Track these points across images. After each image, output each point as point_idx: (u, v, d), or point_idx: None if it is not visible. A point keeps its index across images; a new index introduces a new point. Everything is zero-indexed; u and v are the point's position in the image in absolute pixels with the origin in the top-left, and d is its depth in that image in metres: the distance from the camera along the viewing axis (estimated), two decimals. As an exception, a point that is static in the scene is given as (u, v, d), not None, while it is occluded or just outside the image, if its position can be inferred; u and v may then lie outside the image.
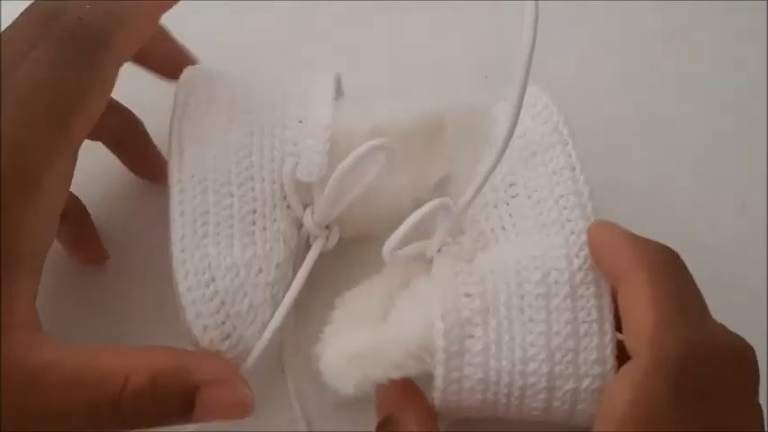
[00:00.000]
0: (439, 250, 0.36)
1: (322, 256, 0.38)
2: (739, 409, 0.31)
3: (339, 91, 0.40)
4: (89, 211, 0.41)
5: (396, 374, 0.33)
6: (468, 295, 0.34)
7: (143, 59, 0.40)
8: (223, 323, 0.35)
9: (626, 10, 0.48)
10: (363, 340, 0.34)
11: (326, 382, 0.34)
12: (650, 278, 0.31)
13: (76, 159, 0.35)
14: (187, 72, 0.39)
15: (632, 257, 0.32)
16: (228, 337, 0.35)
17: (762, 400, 0.38)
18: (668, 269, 0.32)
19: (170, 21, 0.39)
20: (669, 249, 0.32)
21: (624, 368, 0.31)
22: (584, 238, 0.34)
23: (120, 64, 0.35)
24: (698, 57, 0.47)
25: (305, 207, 0.38)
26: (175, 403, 0.32)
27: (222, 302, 0.35)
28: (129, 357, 0.32)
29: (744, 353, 0.32)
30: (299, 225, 0.38)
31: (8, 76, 0.33)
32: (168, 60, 0.41)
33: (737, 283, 0.41)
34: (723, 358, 0.31)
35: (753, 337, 0.37)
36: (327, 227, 0.38)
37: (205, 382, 0.32)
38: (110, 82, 0.35)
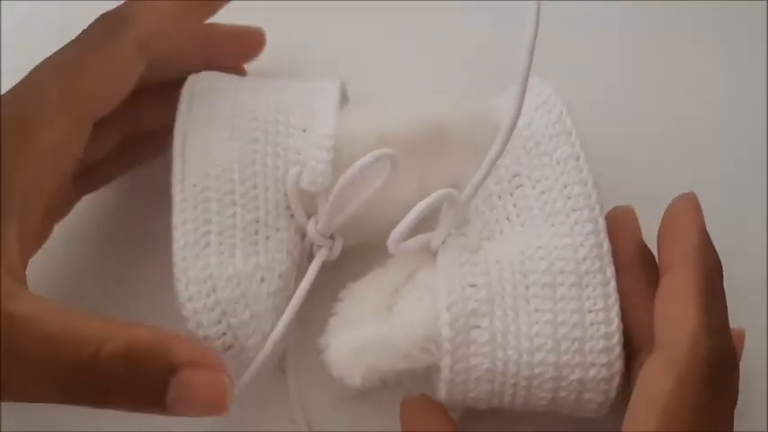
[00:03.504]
0: (444, 241, 0.36)
1: (325, 264, 0.38)
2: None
3: (344, 98, 0.40)
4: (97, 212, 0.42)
5: (403, 365, 0.34)
6: (473, 286, 0.34)
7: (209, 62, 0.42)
8: (224, 333, 0.34)
9: (625, 10, 0.49)
10: (370, 331, 0.34)
11: (333, 373, 0.34)
12: (705, 281, 0.32)
13: (87, 131, 0.35)
14: (190, 79, 0.39)
15: (697, 252, 0.33)
16: (230, 347, 0.35)
17: (762, 399, 0.39)
18: (719, 279, 0.33)
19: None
20: (720, 261, 0.33)
21: (658, 358, 0.31)
22: (589, 227, 0.34)
23: (143, 45, 0.36)
24: (697, 57, 0.48)
25: (308, 216, 0.37)
26: (149, 379, 0.30)
27: (223, 312, 0.34)
28: (109, 325, 0.31)
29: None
30: (303, 234, 0.38)
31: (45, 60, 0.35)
32: (229, 48, 0.43)
33: (737, 283, 0.41)
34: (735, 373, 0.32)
35: (753, 337, 0.38)
36: (331, 236, 0.38)
37: (184, 363, 0.31)
38: (123, 56, 0.35)
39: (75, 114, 0.34)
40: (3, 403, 0.35)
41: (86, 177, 0.40)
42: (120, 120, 0.38)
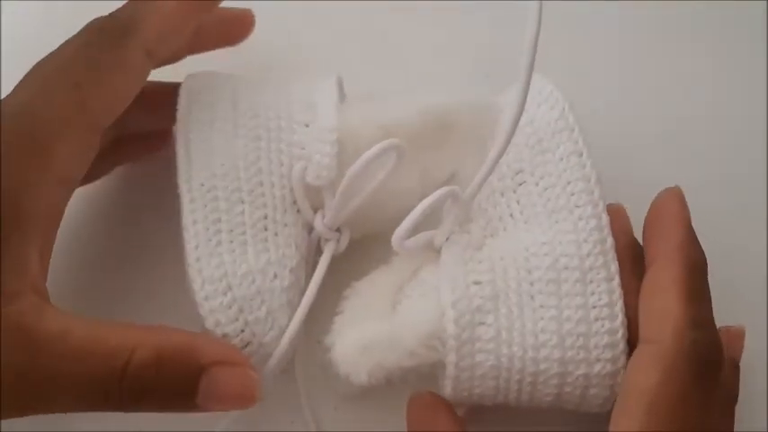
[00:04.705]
0: (447, 239, 0.36)
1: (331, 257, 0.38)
2: (728, 417, 0.34)
3: (341, 94, 0.40)
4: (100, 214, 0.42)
5: (409, 363, 0.34)
6: (477, 283, 0.34)
7: (196, 47, 0.42)
8: (242, 331, 0.35)
9: (625, 10, 0.49)
10: (376, 329, 0.34)
11: (339, 371, 0.34)
12: (689, 275, 0.32)
13: (97, 142, 0.35)
14: (188, 79, 0.39)
15: (681, 247, 0.33)
16: (248, 344, 0.35)
17: (761, 399, 0.39)
18: (703, 275, 0.33)
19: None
20: (705, 257, 0.34)
21: (643, 352, 0.32)
22: (592, 223, 0.34)
23: (150, 52, 0.36)
24: (697, 57, 0.48)
25: (315, 211, 0.38)
26: (180, 382, 0.31)
27: (240, 310, 0.35)
28: (135, 332, 0.31)
29: (736, 369, 0.36)
30: (310, 229, 0.38)
31: (41, 61, 0.34)
32: (217, 32, 0.43)
33: (737, 283, 0.41)
34: (722, 368, 0.33)
35: (753, 337, 0.38)
36: (338, 230, 0.38)
37: (212, 363, 0.31)
38: (134, 67, 0.35)
39: (86, 128, 0.34)
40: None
41: None
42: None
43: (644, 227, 0.35)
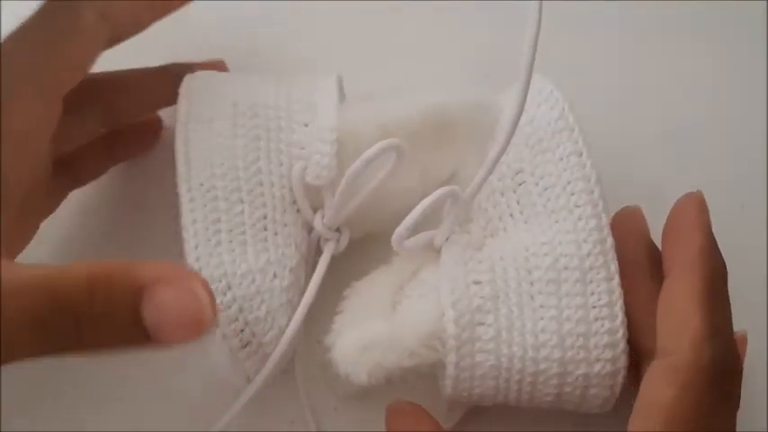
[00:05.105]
0: (447, 239, 0.36)
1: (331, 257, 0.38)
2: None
3: (341, 93, 0.40)
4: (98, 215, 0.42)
5: (409, 363, 0.34)
6: (477, 283, 0.34)
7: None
8: (242, 331, 0.35)
9: (625, 10, 0.49)
10: (376, 329, 0.34)
11: (339, 371, 0.34)
12: (707, 285, 0.32)
13: (58, 108, 0.35)
14: (188, 79, 0.39)
15: (700, 255, 0.32)
16: (248, 344, 0.35)
17: (762, 400, 0.39)
18: (723, 282, 0.32)
19: (169, 23, 0.39)
20: (725, 264, 0.33)
21: (660, 364, 0.31)
22: (592, 223, 0.34)
23: (105, 15, 0.35)
24: (697, 57, 0.48)
25: (314, 210, 0.38)
26: (118, 306, 0.28)
27: (240, 309, 0.35)
28: (71, 263, 0.29)
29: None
30: (310, 229, 0.38)
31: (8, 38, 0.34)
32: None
33: (737, 283, 0.41)
34: (738, 378, 0.32)
35: (753, 337, 0.38)
36: (337, 229, 0.38)
37: (153, 280, 0.28)
38: (87, 30, 0.35)
39: (44, 92, 0.34)
40: (3, 403, 0.35)
41: (70, 172, 0.40)
42: (94, 108, 0.38)
43: (663, 233, 0.34)
